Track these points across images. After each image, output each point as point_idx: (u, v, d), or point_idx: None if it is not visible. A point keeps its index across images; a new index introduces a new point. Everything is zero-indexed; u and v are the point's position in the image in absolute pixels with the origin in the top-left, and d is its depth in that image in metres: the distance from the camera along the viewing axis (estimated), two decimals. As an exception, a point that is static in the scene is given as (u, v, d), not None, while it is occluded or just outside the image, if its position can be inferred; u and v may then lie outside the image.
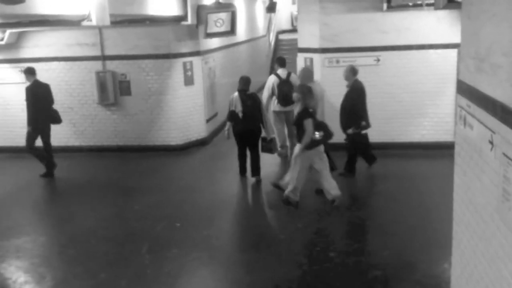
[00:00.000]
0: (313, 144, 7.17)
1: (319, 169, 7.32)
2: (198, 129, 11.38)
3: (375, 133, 10.22)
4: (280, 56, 10.78)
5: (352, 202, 7.75)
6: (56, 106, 11.22)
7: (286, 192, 7.45)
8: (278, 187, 7.91)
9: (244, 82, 8.68)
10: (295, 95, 8.37)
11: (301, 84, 8.03)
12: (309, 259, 6.03)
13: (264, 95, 9.68)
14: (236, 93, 8.57)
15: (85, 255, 6.34)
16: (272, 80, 9.79)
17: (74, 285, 5.62)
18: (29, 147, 9.49)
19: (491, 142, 2.99)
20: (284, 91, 9.52)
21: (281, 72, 9.75)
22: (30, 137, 9.44)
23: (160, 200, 8.17)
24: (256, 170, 8.76)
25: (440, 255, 5.75)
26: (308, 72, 9.08)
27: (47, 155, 9.61)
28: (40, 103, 9.37)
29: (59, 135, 11.34)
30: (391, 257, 5.93)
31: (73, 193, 8.84)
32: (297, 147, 7.29)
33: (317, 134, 7.15)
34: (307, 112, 7.25)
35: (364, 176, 8.86)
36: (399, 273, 5.58)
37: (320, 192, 7.68)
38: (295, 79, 9.54)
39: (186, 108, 11.12)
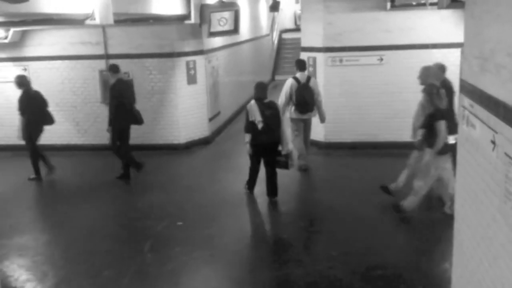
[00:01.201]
0: (446, 148, 6.48)
1: (446, 178, 6.65)
2: (200, 128, 11.39)
3: (379, 132, 10.23)
4: (300, 58, 9.65)
5: (354, 201, 7.74)
6: (59, 104, 11.29)
7: (406, 203, 6.86)
8: (387, 190, 7.52)
9: (261, 90, 7.79)
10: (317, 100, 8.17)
11: (430, 84, 6.95)
12: (311, 258, 6.03)
13: (281, 101, 8.87)
14: (253, 102, 7.62)
15: (88, 253, 6.35)
16: (289, 84, 8.98)
17: (77, 283, 5.64)
18: (115, 148, 9.04)
19: (493, 142, 2.98)
20: (304, 97, 8.82)
21: (300, 76, 8.94)
22: (114, 138, 8.93)
23: (163, 199, 8.18)
24: (274, 190, 7.84)
25: (441, 254, 5.74)
26: (431, 70, 7.81)
27: (126, 157, 9.14)
28: (126, 102, 8.86)
29: (63, 133, 11.38)
30: (393, 257, 5.93)
31: (75, 191, 8.86)
32: (428, 153, 6.56)
33: (451, 138, 6.34)
34: (440, 113, 6.44)
35: (366, 175, 8.85)
36: (401, 272, 5.57)
37: (385, 189, 7.54)
38: (315, 84, 8.98)
39: (189, 107, 11.12)
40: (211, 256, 6.20)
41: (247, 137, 7.57)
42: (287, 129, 8.05)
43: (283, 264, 5.92)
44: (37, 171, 9.31)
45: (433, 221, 6.82)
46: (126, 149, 9.10)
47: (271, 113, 7.56)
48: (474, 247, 3.46)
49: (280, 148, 7.68)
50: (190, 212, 7.61)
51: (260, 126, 7.47)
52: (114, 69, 8.95)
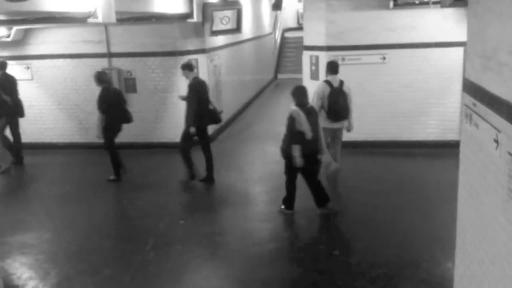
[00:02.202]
0: None
1: None
2: (203, 127, 11.36)
3: (380, 131, 10.21)
4: (333, 60, 8.75)
5: (354, 200, 7.73)
6: (61, 103, 11.31)
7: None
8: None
9: (303, 95, 6.96)
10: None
11: None
12: (312, 257, 6.02)
13: (315, 106, 7.70)
14: (298, 109, 6.80)
15: (89, 251, 6.36)
16: (322, 88, 8.12)
17: (78, 281, 5.64)
18: (184, 148, 8.65)
19: (496, 141, 2.97)
20: (338, 103, 7.99)
21: (332, 79, 8.14)
22: (187, 137, 8.59)
23: (164, 197, 8.19)
24: (326, 197, 7.23)
25: (443, 254, 5.73)
26: None
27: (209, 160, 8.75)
28: (203, 101, 8.48)
29: (65, 132, 11.40)
30: (394, 256, 5.92)
31: (77, 189, 8.87)
32: None
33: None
34: None
35: (366, 174, 8.83)
36: (402, 271, 5.57)
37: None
38: (348, 88, 8.22)
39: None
40: (213, 254, 6.21)
41: (297, 150, 6.74)
42: (322, 136, 7.31)
43: (284, 262, 5.92)
44: (117, 172, 9.03)
45: (435, 219, 6.81)
46: (209, 154, 8.77)
47: (314, 119, 6.92)
48: (476, 246, 3.45)
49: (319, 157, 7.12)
50: (191, 211, 7.61)
51: (310, 135, 6.81)
52: (189, 67, 8.65)
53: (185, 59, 10.87)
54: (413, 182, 8.26)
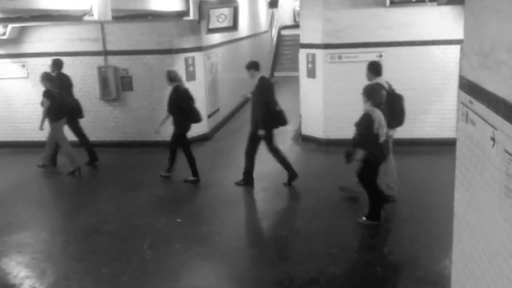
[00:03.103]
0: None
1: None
2: (199, 125, 11.30)
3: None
4: (375, 60, 7.97)
5: (352, 198, 7.73)
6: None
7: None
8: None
9: (380, 94, 6.49)
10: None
11: None
12: (311, 255, 6.02)
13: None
14: (377, 110, 6.32)
15: (87, 250, 6.35)
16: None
17: (76, 280, 5.63)
18: (249, 152, 8.29)
19: (493, 139, 2.97)
20: (400, 107, 7.16)
21: (381, 82, 7.15)
22: (270, 139, 8.20)
23: (162, 196, 8.18)
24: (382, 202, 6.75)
25: (441, 252, 5.74)
26: None
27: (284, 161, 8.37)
28: (270, 103, 8.07)
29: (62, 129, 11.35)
30: (392, 254, 5.93)
31: (74, 188, 8.85)
32: None
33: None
34: None
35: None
36: (400, 269, 5.58)
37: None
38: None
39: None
40: (211, 252, 6.20)
41: (361, 154, 6.39)
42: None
43: (282, 260, 5.92)
44: (194, 172, 8.68)
45: (432, 218, 6.81)
46: (283, 159, 8.39)
47: (385, 122, 6.43)
48: (473, 244, 3.46)
49: None
50: (189, 209, 7.60)
51: (383, 139, 6.38)
52: (255, 66, 8.22)
53: (181, 57, 10.86)
54: (410, 180, 8.26)
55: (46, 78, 9.15)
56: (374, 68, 7.23)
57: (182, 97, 8.47)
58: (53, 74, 9.55)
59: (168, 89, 10.80)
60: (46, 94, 9.04)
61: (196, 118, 8.65)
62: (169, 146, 8.79)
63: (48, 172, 9.60)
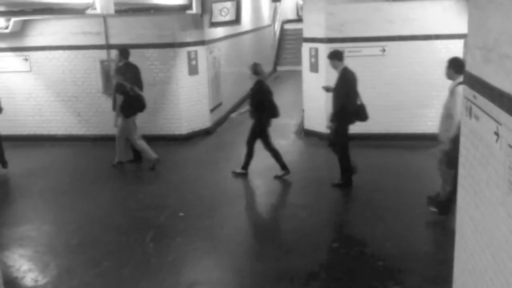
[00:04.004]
0: None
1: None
2: (202, 119, 11.37)
3: (380, 124, 10.20)
4: (456, 56, 7.05)
5: (354, 193, 7.73)
6: (60, 95, 11.27)
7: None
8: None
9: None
10: None
11: None
12: (312, 249, 6.03)
13: (458, 112, 5.73)
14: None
15: (89, 243, 6.36)
16: (461, 90, 6.07)
17: (78, 273, 5.64)
18: (343, 148, 7.89)
19: (497, 134, 2.95)
20: None
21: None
22: (344, 134, 7.80)
23: (164, 190, 8.19)
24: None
25: (443, 246, 5.73)
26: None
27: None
28: (352, 95, 7.66)
29: (64, 124, 11.38)
30: (394, 248, 5.93)
31: (77, 182, 8.86)
32: None
33: None
34: None
35: (366, 167, 8.83)
36: (402, 264, 5.57)
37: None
38: None
39: (190, 97, 11.10)
40: (212, 246, 6.21)
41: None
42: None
43: (284, 254, 5.92)
44: (283, 166, 8.42)
45: (432, 212, 6.81)
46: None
47: None
48: (476, 239, 3.45)
49: None
50: (191, 203, 7.61)
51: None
52: (339, 56, 7.76)
53: (184, 51, 10.84)
54: (413, 175, 8.26)
55: (118, 72, 8.86)
56: (459, 65, 6.20)
57: (265, 91, 8.28)
58: (120, 64, 9.27)
59: (169, 83, 10.85)
60: (119, 88, 8.72)
61: (276, 113, 8.39)
62: (246, 142, 8.51)
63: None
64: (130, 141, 9.15)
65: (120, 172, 9.14)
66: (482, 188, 3.31)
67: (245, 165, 8.55)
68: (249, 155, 8.51)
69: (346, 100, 7.53)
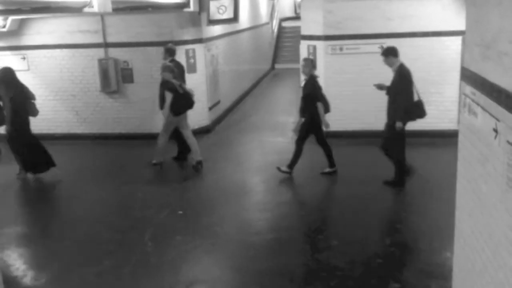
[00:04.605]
0: None
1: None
2: (200, 117, 11.36)
3: (380, 122, 10.19)
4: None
5: (353, 190, 7.73)
6: (58, 93, 11.25)
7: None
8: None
9: None
10: None
11: None
12: (311, 247, 6.03)
13: None
14: None
15: (88, 242, 6.36)
16: None
17: (77, 272, 5.64)
18: (398, 153, 7.62)
19: (495, 130, 2.96)
20: None
21: None
22: (397, 136, 7.53)
23: (163, 188, 8.18)
24: None
25: (442, 243, 5.74)
26: None
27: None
28: (409, 92, 7.38)
29: (62, 122, 11.36)
30: (393, 245, 5.93)
31: (75, 180, 8.85)
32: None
33: None
34: None
35: (365, 164, 8.83)
36: (401, 261, 5.58)
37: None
38: None
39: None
40: (212, 245, 6.21)
41: None
42: None
43: (283, 253, 5.93)
44: (332, 163, 8.31)
45: (434, 209, 6.82)
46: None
47: None
48: (475, 236, 3.45)
49: None
50: (190, 201, 7.61)
51: None
52: (394, 52, 7.57)
53: (182, 49, 10.82)
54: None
55: (166, 69, 8.67)
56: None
57: (317, 86, 8.12)
58: (166, 62, 9.11)
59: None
60: (167, 86, 8.54)
61: (328, 108, 8.20)
62: (296, 140, 8.35)
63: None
64: (184, 137, 8.98)
65: (120, 171, 9.13)
66: (480, 184, 3.32)
67: (291, 164, 8.34)
68: (297, 154, 8.32)
69: (405, 98, 7.31)
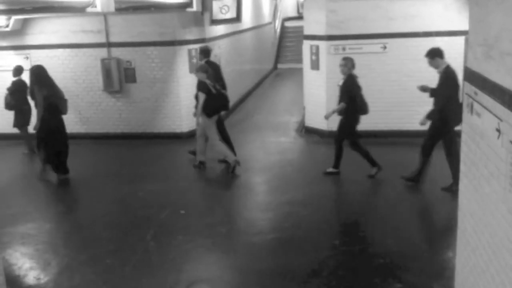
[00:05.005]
0: None
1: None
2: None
3: (381, 121, 10.19)
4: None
5: (355, 190, 7.73)
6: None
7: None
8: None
9: None
10: None
11: None
12: (313, 247, 6.03)
13: None
14: None
15: (90, 241, 6.37)
16: None
17: (79, 271, 5.65)
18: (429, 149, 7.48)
19: (498, 130, 2.95)
20: None
21: None
22: (441, 133, 7.36)
23: (165, 188, 8.18)
24: None
25: (444, 244, 5.73)
26: None
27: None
28: (454, 95, 7.18)
29: (65, 122, 11.35)
30: (395, 246, 5.92)
31: (77, 180, 8.86)
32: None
33: None
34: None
35: (367, 164, 8.82)
36: (403, 261, 5.57)
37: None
38: None
39: (191, 95, 11.05)
40: (213, 244, 6.21)
41: None
42: None
43: (285, 252, 5.93)
44: (373, 162, 8.09)
45: (435, 209, 6.81)
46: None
47: None
48: (477, 236, 3.45)
49: None
50: (192, 201, 7.61)
51: None
52: (440, 54, 7.35)
53: (184, 48, 10.84)
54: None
55: (200, 69, 8.50)
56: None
57: (356, 85, 7.96)
58: (201, 63, 8.96)
59: (170, 81, 10.84)
60: (202, 87, 8.35)
61: (366, 109, 8.02)
62: (335, 140, 8.24)
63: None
64: (197, 134, 8.86)
65: (122, 170, 9.14)
66: (483, 184, 3.31)
67: (336, 164, 8.23)
68: (339, 153, 8.20)
69: (450, 100, 7.12)
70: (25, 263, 5.90)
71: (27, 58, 11.09)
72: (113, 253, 6.00)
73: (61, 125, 8.51)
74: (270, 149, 9.32)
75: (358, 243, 6.08)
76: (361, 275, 5.36)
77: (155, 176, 8.72)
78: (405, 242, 6.04)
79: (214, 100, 8.38)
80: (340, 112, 7.98)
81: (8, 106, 9.95)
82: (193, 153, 9.26)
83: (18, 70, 9.98)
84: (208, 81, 8.39)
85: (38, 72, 8.29)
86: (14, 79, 9.96)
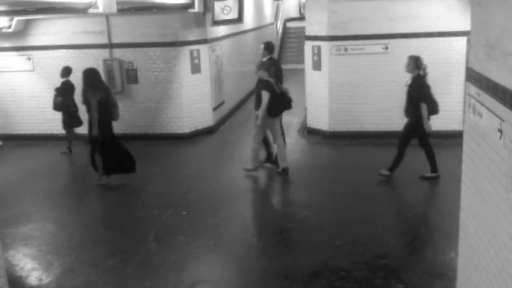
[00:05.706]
0: None
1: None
2: (205, 118, 11.37)
3: (383, 122, 10.19)
4: None
5: (357, 191, 7.72)
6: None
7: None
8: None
9: None
10: None
11: None
12: (315, 247, 6.02)
13: None
14: None
15: (92, 242, 6.38)
16: None
17: (81, 272, 5.66)
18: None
19: (500, 131, 2.95)
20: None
21: None
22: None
23: (167, 188, 8.19)
24: None
25: (447, 244, 5.73)
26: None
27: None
28: None
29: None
30: (397, 246, 5.92)
31: (79, 181, 8.87)
32: None
33: None
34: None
35: (369, 165, 8.82)
36: (405, 262, 5.57)
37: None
38: None
39: (193, 96, 11.10)
40: (215, 245, 6.21)
41: None
42: None
43: (287, 253, 5.93)
44: (435, 168, 7.87)
45: (437, 210, 6.80)
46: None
47: None
48: (480, 236, 3.45)
49: None
50: (194, 202, 7.61)
51: None
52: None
53: (186, 49, 10.84)
54: (415, 173, 8.23)
55: (261, 66, 8.21)
56: None
57: (426, 85, 7.73)
58: (264, 59, 8.68)
59: (172, 81, 10.85)
60: (264, 85, 8.07)
61: (436, 109, 7.76)
62: (399, 141, 7.93)
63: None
64: (269, 140, 8.63)
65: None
66: (484, 185, 3.31)
67: (393, 167, 7.96)
68: (399, 156, 7.92)
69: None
70: (27, 263, 5.92)
71: (30, 59, 11.12)
72: (115, 254, 6.00)
73: (109, 130, 8.32)
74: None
75: (360, 244, 6.07)
76: (363, 276, 5.35)
77: (157, 177, 8.73)
78: (408, 243, 6.03)
79: (277, 99, 8.12)
80: (407, 112, 7.78)
81: (57, 107, 9.88)
82: (271, 161, 8.83)
83: (66, 71, 9.87)
84: (271, 80, 8.12)
85: (93, 76, 7.99)
86: (63, 80, 9.83)
